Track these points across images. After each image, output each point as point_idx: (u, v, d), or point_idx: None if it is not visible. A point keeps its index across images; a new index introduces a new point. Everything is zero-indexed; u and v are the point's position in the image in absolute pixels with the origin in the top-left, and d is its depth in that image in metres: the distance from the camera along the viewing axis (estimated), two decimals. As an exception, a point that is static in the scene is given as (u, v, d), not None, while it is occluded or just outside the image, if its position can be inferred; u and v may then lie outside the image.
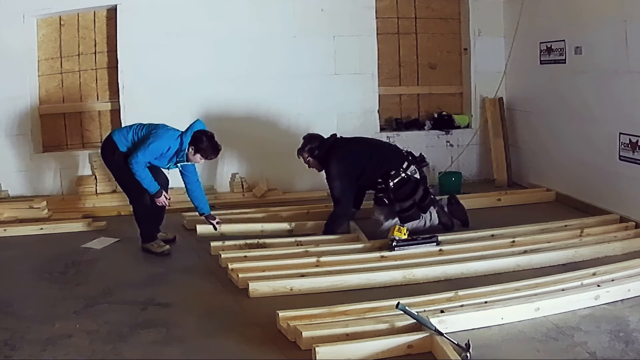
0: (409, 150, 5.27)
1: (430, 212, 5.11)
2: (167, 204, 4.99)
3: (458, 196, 5.56)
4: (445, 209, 5.29)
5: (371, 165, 5.06)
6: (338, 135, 5.35)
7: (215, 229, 5.11)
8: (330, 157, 5.11)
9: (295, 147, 6.64)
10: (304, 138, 5.32)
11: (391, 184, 4.93)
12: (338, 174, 5.05)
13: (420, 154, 5.28)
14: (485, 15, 7.07)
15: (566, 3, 5.93)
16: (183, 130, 4.80)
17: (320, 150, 5.17)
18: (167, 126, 4.87)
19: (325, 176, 5.21)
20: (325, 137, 5.28)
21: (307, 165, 5.32)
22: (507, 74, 6.97)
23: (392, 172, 4.95)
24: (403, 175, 4.97)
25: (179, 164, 4.88)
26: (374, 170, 5.04)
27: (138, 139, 4.78)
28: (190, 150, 4.74)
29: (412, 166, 5.05)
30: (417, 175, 5.07)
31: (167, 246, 4.90)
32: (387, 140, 6.76)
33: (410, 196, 4.94)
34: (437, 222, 5.16)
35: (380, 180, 4.99)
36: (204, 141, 4.73)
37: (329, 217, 5.15)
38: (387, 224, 4.96)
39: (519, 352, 3.17)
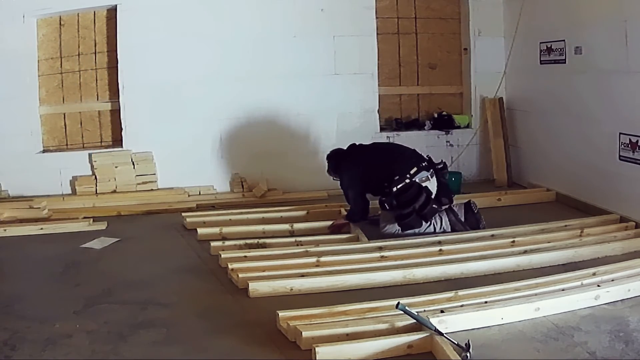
0: (429, 156, 5.08)
1: (441, 218, 5.01)
2: None
3: (458, 196, 5.50)
4: (462, 218, 5.07)
5: (380, 170, 4.95)
6: (357, 144, 5.45)
7: None
8: (342, 166, 5.29)
9: (296, 147, 6.72)
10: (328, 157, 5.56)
11: (394, 189, 4.76)
12: (349, 184, 5.23)
13: (442, 160, 5.12)
14: (485, 15, 7.07)
15: (566, 3, 5.92)
16: None
17: (333, 161, 5.41)
18: None
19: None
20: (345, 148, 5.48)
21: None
22: (507, 74, 6.97)
23: (397, 177, 4.79)
24: (407, 180, 4.80)
25: None
26: (382, 174, 4.88)
27: None
28: None
29: (423, 172, 4.85)
30: (430, 183, 4.87)
31: None
32: (387, 141, 6.79)
33: (411, 203, 4.76)
34: (449, 229, 5.02)
35: (385, 184, 4.82)
36: None
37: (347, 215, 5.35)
38: (389, 227, 4.93)
39: (519, 352, 3.17)
